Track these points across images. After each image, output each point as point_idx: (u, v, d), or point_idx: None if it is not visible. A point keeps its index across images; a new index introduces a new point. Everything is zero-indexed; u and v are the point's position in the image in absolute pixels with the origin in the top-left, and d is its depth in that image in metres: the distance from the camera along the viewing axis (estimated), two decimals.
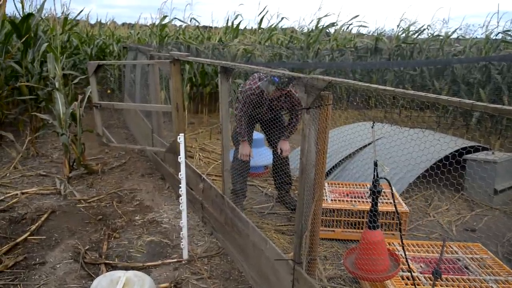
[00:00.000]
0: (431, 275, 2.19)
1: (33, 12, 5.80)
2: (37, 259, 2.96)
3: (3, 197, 3.95)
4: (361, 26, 12.75)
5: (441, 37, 9.41)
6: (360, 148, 4.60)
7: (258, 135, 4.52)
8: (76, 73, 6.55)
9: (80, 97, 4.76)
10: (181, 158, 2.91)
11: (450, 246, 2.74)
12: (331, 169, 4.51)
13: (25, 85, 5.65)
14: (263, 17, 9.29)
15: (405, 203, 3.51)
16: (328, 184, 3.77)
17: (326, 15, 9.10)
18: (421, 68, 8.35)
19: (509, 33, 7.96)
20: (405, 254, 1.93)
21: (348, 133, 4.85)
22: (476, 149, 4.48)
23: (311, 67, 7.68)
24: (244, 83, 3.69)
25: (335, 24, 9.14)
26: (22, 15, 5.65)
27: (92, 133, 5.11)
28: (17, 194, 4.01)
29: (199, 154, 5.49)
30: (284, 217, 3.77)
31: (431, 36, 9.49)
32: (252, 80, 3.52)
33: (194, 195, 3.70)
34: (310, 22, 16.84)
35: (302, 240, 2.15)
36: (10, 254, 3.00)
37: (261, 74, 3.46)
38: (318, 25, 8.90)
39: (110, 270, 2.72)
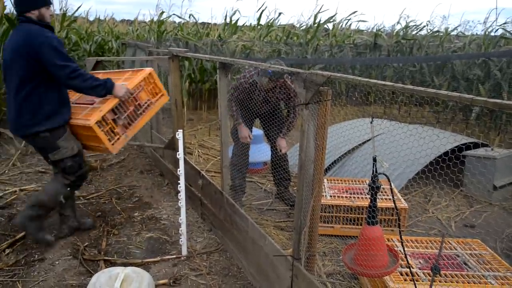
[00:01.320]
0: (430, 271, 2.19)
1: None
2: (36, 255, 2.96)
3: (2, 194, 3.94)
4: (360, 21, 12.73)
5: (440, 34, 9.40)
6: (360, 144, 4.60)
7: (257, 131, 4.52)
8: None
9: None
10: (180, 154, 2.91)
11: (449, 242, 2.74)
12: (330, 165, 4.51)
13: None
14: (261, 13, 9.27)
15: (404, 199, 3.51)
16: (327, 180, 3.77)
17: (319, 11, 8.97)
18: (421, 64, 8.34)
19: (506, 25, 7.96)
20: (404, 250, 1.93)
21: (347, 128, 4.84)
22: (475, 145, 4.47)
23: (310, 63, 7.67)
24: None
25: (332, 18, 9.10)
26: None
27: None
28: (16, 191, 4.00)
29: (198, 151, 5.48)
30: (283, 213, 3.77)
31: (430, 33, 9.47)
32: (247, 69, 3.55)
33: (193, 191, 3.70)
34: (309, 18, 16.85)
35: (301, 236, 2.14)
36: (9, 251, 3.00)
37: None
38: (316, 21, 8.87)
39: (109, 267, 2.71)
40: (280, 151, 3.65)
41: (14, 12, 5.88)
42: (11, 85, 2.75)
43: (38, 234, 2.98)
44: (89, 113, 2.87)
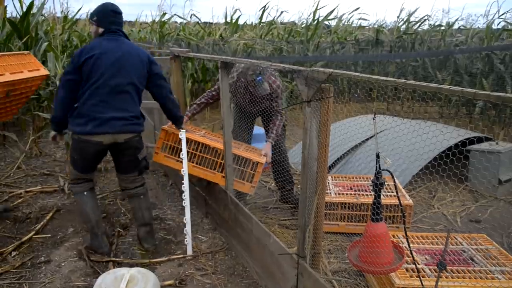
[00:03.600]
0: (436, 267, 2.18)
1: (33, 11, 5.78)
2: (42, 257, 2.97)
3: (7, 196, 3.96)
4: (361, 19, 12.68)
5: (442, 28, 9.35)
6: (363, 141, 4.59)
7: (259, 130, 4.51)
8: None
9: None
10: (183, 154, 2.91)
11: (455, 238, 2.73)
12: (334, 162, 4.50)
13: None
14: (263, 11, 9.23)
15: (409, 195, 3.50)
16: (332, 177, 3.76)
17: (317, 8, 8.86)
18: (423, 59, 8.31)
19: (506, 16, 7.94)
20: (409, 246, 1.92)
21: (350, 125, 4.83)
22: (479, 139, 4.45)
23: (312, 60, 7.66)
24: None
25: (331, 15, 9.05)
26: (21, 15, 5.65)
27: None
28: (21, 194, 4.02)
29: None
30: (288, 212, 3.76)
31: (432, 27, 9.43)
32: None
33: (198, 191, 3.70)
34: (309, 15, 16.77)
35: (306, 234, 2.14)
36: (15, 253, 3.01)
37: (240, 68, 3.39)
38: (315, 18, 8.83)
39: (116, 267, 2.72)
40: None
41: (18, 16, 5.93)
42: (117, 87, 2.78)
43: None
44: (252, 155, 3.28)
